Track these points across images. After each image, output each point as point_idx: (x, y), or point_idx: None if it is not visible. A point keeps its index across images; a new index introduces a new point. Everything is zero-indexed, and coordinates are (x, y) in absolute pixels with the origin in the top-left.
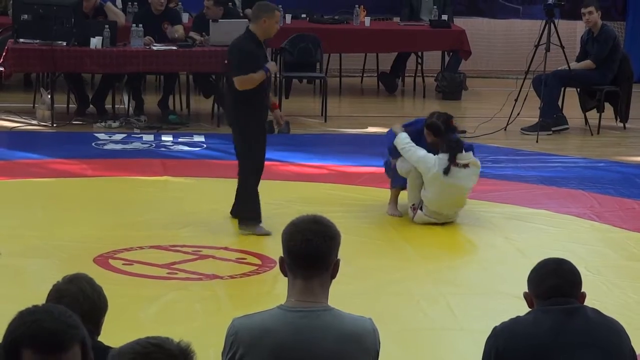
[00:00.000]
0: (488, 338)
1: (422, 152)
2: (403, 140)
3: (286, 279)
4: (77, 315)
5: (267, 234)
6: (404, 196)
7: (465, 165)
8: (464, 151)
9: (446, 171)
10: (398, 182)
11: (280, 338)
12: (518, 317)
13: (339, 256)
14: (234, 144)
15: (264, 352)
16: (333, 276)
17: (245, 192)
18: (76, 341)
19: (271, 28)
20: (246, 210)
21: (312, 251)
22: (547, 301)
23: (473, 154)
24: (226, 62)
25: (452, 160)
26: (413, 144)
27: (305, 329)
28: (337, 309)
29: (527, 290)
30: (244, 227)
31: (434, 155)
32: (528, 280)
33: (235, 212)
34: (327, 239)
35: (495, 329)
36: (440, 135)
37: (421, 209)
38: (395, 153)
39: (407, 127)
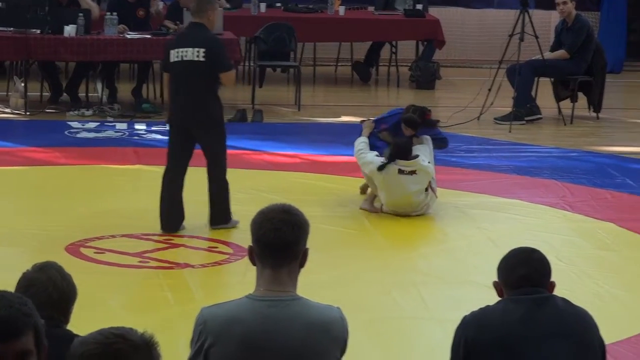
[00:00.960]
0: (457, 327)
1: (369, 156)
2: (358, 145)
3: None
4: (44, 303)
5: (237, 223)
6: None
7: (412, 172)
8: (420, 158)
9: (380, 168)
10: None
11: (248, 327)
12: (487, 306)
13: (309, 245)
14: (206, 145)
15: (232, 341)
16: (302, 265)
17: (227, 193)
18: (29, 328)
19: (215, 21)
20: (229, 211)
21: (280, 240)
22: (517, 290)
23: (427, 160)
24: (203, 58)
25: (390, 161)
26: (366, 149)
27: (273, 318)
28: (306, 298)
29: (497, 280)
30: (226, 224)
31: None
32: (498, 270)
33: (219, 219)
34: (296, 228)
35: (464, 318)
36: (417, 129)
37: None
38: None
39: (385, 120)
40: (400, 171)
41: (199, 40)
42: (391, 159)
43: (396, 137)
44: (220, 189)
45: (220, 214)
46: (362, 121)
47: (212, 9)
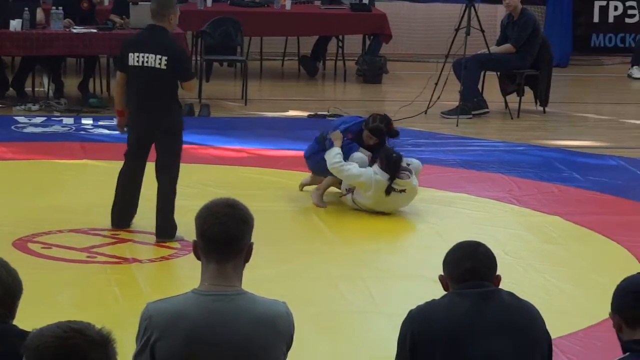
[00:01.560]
0: (403, 322)
1: (355, 169)
2: (334, 157)
3: None
4: None
5: (182, 238)
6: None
7: (402, 191)
8: (409, 174)
9: (387, 192)
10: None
11: (194, 322)
12: (433, 300)
13: (255, 240)
14: (161, 151)
15: (178, 336)
16: (247, 260)
17: (173, 203)
18: None
19: (176, 23)
20: (174, 224)
21: (225, 235)
22: (463, 284)
23: (414, 173)
24: (164, 66)
25: (391, 181)
26: (343, 162)
27: (218, 313)
28: (251, 292)
29: (442, 274)
30: (172, 238)
31: (368, 163)
32: (443, 263)
33: (166, 231)
34: (240, 222)
35: (410, 312)
36: (382, 139)
37: (352, 192)
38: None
39: (350, 129)
40: (392, 189)
41: (161, 46)
42: (391, 179)
43: (383, 150)
44: (167, 198)
45: (165, 227)
46: (329, 133)
47: (174, 12)
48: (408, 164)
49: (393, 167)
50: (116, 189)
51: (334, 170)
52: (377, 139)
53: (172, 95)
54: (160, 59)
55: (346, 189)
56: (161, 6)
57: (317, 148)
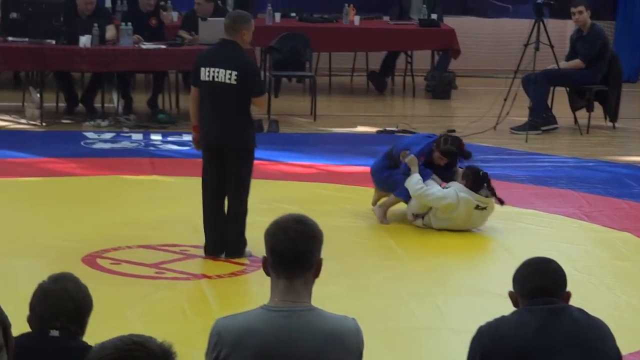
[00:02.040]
0: (473, 338)
1: (439, 192)
2: (415, 184)
3: None
4: (59, 314)
5: (250, 254)
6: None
7: (484, 208)
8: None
9: (478, 207)
10: (401, 195)
11: (263, 338)
12: (503, 316)
13: (324, 255)
14: (232, 169)
15: (247, 353)
16: (316, 275)
17: (245, 221)
18: None
19: (249, 39)
20: (244, 241)
21: (294, 250)
22: (532, 301)
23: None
24: (235, 81)
25: (478, 199)
26: (424, 186)
27: (288, 329)
28: (321, 308)
29: (512, 290)
30: (241, 255)
31: (446, 184)
32: (513, 280)
33: (236, 248)
34: (310, 238)
35: (480, 328)
36: (454, 160)
37: (422, 218)
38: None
39: (422, 152)
40: (477, 207)
41: (232, 61)
42: (476, 191)
43: (468, 169)
44: (238, 216)
45: (235, 244)
46: (404, 156)
47: (247, 28)
48: None
49: (480, 184)
50: (203, 217)
51: (418, 197)
52: (449, 160)
53: (243, 112)
54: (230, 74)
55: (413, 214)
56: (234, 21)
57: (386, 164)
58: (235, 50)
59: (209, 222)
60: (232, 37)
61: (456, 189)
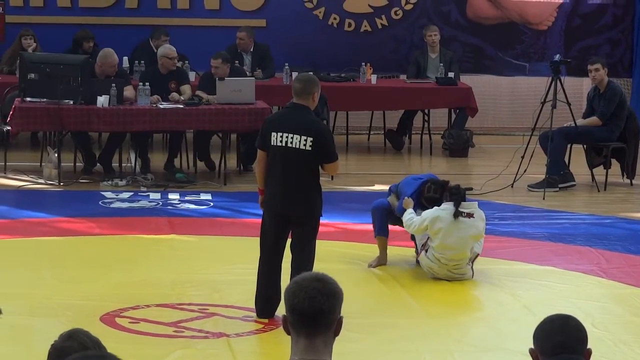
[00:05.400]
0: None
1: (417, 217)
2: (405, 217)
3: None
4: None
5: None
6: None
7: (470, 215)
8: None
9: (456, 215)
10: (382, 232)
11: None
12: None
13: (343, 313)
14: (298, 235)
15: None
16: (336, 334)
17: None
18: None
19: (317, 103)
20: None
21: (315, 309)
22: (554, 358)
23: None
24: (310, 148)
25: (457, 206)
26: (412, 217)
27: None
28: None
29: (532, 347)
30: None
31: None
32: (534, 337)
33: None
34: (330, 296)
35: None
36: (438, 204)
37: (426, 250)
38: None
39: (414, 195)
40: (462, 214)
41: (306, 127)
42: (456, 205)
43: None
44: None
45: None
46: (393, 196)
47: (318, 91)
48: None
49: (457, 194)
50: (257, 276)
51: (406, 227)
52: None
53: (314, 178)
54: (305, 140)
55: (417, 251)
56: (306, 84)
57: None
58: (307, 115)
59: (263, 280)
60: (303, 101)
61: (437, 208)
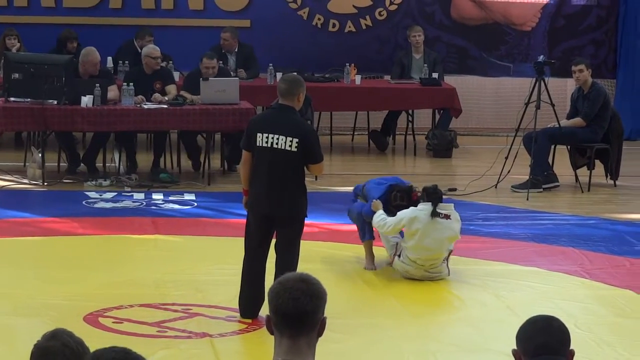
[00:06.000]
0: None
1: (391, 218)
2: (377, 217)
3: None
4: None
5: None
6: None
7: (447, 216)
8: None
9: (433, 214)
10: (367, 236)
11: None
12: None
13: (326, 314)
14: (283, 235)
15: None
16: (320, 334)
17: None
18: None
19: (302, 103)
20: None
21: (299, 310)
22: (536, 359)
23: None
24: (295, 148)
25: (435, 206)
26: (384, 218)
27: None
28: None
29: (515, 348)
30: None
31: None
32: (516, 338)
33: None
34: (314, 297)
35: None
36: (405, 208)
37: (399, 255)
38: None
39: (382, 198)
40: (439, 215)
41: (291, 128)
42: (434, 205)
43: (423, 190)
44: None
45: None
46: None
47: (303, 91)
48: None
49: (434, 195)
50: (242, 276)
51: (379, 228)
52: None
53: (299, 179)
54: (291, 141)
55: (391, 254)
56: (291, 85)
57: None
58: (292, 115)
59: (248, 280)
60: (288, 102)
61: (413, 208)
